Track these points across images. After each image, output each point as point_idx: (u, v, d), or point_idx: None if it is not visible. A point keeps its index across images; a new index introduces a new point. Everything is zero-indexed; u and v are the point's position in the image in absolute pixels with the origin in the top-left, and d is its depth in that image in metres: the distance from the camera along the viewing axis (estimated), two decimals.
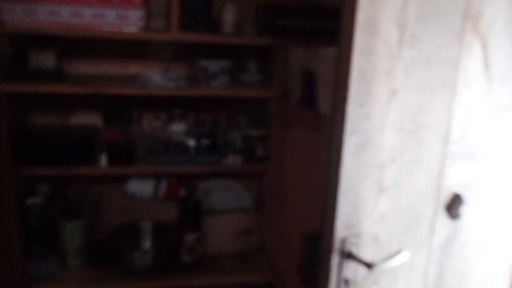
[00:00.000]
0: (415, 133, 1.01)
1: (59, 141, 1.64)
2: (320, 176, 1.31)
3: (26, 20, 1.41)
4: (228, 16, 1.66)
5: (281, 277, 1.66)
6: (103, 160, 1.59)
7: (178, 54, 1.83)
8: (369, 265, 0.94)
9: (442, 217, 1.12)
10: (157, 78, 1.60)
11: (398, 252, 1.04)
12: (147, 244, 1.88)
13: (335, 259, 0.96)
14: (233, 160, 1.71)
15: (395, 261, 0.99)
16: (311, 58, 1.89)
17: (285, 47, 1.62)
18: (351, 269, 0.98)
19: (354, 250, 0.96)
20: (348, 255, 0.96)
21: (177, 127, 1.81)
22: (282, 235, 1.66)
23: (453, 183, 1.10)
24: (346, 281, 0.97)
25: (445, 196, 1.10)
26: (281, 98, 1.62)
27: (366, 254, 1.00)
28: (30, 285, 1.62)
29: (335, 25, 0.91)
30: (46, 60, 1.59)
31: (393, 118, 0.96)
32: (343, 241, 0.96)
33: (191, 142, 1.74)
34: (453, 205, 1.11)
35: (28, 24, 1.41)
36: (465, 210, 1.11)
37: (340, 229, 0.95)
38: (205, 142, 1.77)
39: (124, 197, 1.89)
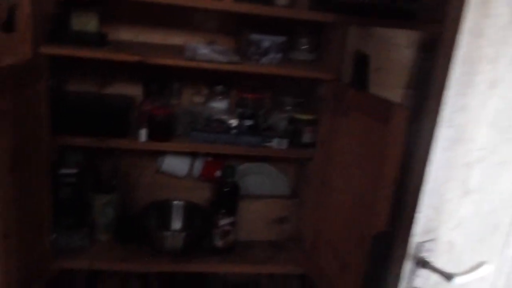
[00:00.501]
0: (508, 131, 0.89)
1: (96, 110, 1.55)
2: (379, 169, 1.20)
3: None
4: None
5: (318, 270, 1.56)
6: (142, 134, 1.49)
7: (223, 26, 1.72)
8: (448, 276, 0.83)
9: None
10: (204, 50, 1.49)
11: (473, 262, 0.94)
12: (177, 224, 1.80)
13: (408, 267, 0.85)
14: (277, 144, 1.60)
15: (477, 274, 0.89)
16: (365, 39, 1.76)
17: (342, 24, 1.49)
18: (423, 278, 0.88)
19: (430, 258, 0.86)
20: (423, 264, 0.85)
21: (218, 105, 1.71)
22: (322, 227, 1.56)
23: None
24: None
25: None
26: (336, 81, 1.50)
27: (439, 262, 0.89)
28: (57, 257, 1.55)
29: (396, 4, 0.79)
30: (89, 24, 1.50)
31: (489, 113, 0.84)
32: (419, 248, 0.85)
33: (233, 122, 1.64)
34: None
35: None
36: None
37: (418, 234, 0.84)
38: (248, 122, 1.66)
39: (157, 173, 1.80)
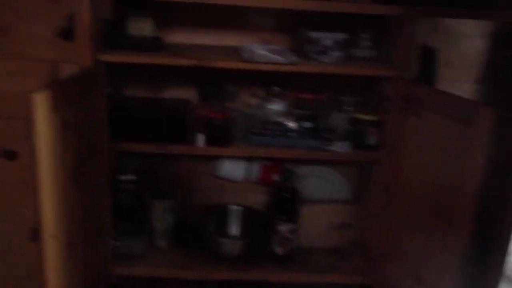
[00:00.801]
0: None
1: (153, 116, 1.53)
2: (458, 177, 1.09)
3: None
4: None
5: (385, 281, 1.46)
6: (200, 139, 1.46)
7: (279, 24, 1.66)
8: None
9: None
10: (261, 50, 1.43)
11: None
12: (236, 230, 1.76)
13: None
14: (339, 147, 1.51)
15: None
16: (432, 32, 1.64)
17: (408, 17, 1.38)
18: None
19: None
20: None
21: (276, 107, 1.65)
22: (390, 235, 1.46)
23: None
24: None
25: None
26: (403, 78, 1.40)
27: None
28: (117, 263, 1.55)
29: None
30: (144, 28, 1.48)
31: None
32: None
33: (292, 124, 1.58)
34: None
35: None
36: None
37: None
38: (307, 124, 1.59)
39: (214, 177, 1.77)
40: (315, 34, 1.41)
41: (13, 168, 1.78)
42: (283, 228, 1.62)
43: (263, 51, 1.44)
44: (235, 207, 1.76)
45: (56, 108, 1.01)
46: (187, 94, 1.68)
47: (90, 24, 1.29)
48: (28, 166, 1.09)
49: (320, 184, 1.81)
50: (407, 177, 1.36)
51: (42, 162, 1.01)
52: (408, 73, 1.41)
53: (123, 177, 1.58)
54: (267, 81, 1.67)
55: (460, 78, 1.74)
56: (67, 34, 1.57)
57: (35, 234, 1.08)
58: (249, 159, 1.72)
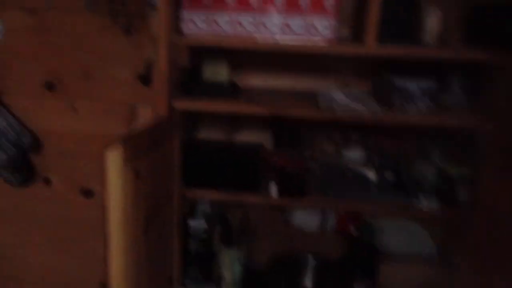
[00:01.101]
0: None
1: (225, 162, 1.49)
2: None
3: (207, 31, 1.28)
4: (432, 24, 1.34)
5: None
6: (273, 189, 1.39)
7: (359, 68, 1.57)
8: None
9: None
10: (339, 96, 1.35)
11: None
12: (308, 283, 1.64)
13: None
14: (426, 203, 1.37)
15: None
16: None
17: (509, 62, 1.23)
18: None
19: None
20: None
21: (354, 154, 1.55)
22: None
23: None
24: None
25: None
26: (502, 129, 1.24)
27: None
28: None
29: None
30: (220, 73, 1.46)
31: None
32: None
33: (372, 174, 1.46)
34: None
35: (208, 35, 1.28)
36: None
37: None
38: (388, 175, 1.47)
39: (286, 225, 1.69)
40: (399, 81, 1.31)
41: (89, 205, 1.83)
42: (360, 285, 1.49)
43: (342, 97, 1.36)
44: (308, 258, 1.66)
45: (129, 161, 1.00)
46: (261, 137, 1.63)
47: (167, 71, 1.29)
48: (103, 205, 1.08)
49: (402, 238, 1.66)
50: (504, 241, 1.19)
51: (112, 215, 0.99)
52: (509, 124, 1.26)
53: (193, 223, 1.55)
54: (345, 125, 1.57)
55: None
56: (145, 78, 1.60)
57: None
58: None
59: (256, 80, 1.62)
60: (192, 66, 1.46)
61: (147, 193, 1.16)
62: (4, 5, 1.63)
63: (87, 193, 1.80)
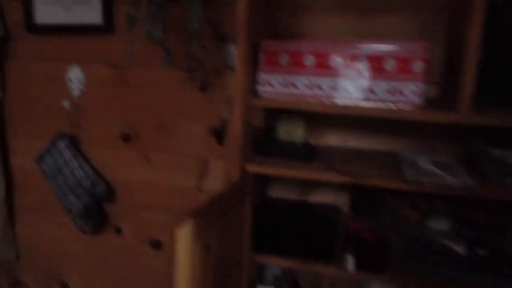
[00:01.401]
0: None
1: (298, 228, 1.39)
2: None
3: (283, 92, 1.23)
4: None
5: None
6: (350, 262, 1.28)
7: (448, 131, 1.43)
8: None
9: None
10: (425, 163, 1.23)
11: None
12: None
13: None
14: None
15: None
16: None
17: None
18: None
19: None
20: None
21: (440, 225, 1.40)
22: None
23: None
24: None
25: None
26: None
27: None
28: None
29: None
30: (295, 133, 1.40)
31: None
32: None
33: (461, 249, 1.31)
34: None
35: (285, 97, 1.23)
36: None
37: None
38: (480, 251, 1.30)
39: None
40: (496, 152, 1.16)
41: (157, 257, 1.81)
42: None
43: (429, 166, 1.23)
44: None
45: (199, 237, 0.95)
46: (337, 198, 1.52)
47: (241, 133, 1.24)
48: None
49: None
50: None
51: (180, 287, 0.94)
52: None
53: None
54: (430, 192, 1.43)
55: None
56: (219, 136, 1.57)
57: None
58: None
59: (333, 139, 1.53)
60: (267, 125, 1.41)
61: (216, 263, 1.10)
62: (89, 59, 1.70)
63: (156, 244, 1.79)
